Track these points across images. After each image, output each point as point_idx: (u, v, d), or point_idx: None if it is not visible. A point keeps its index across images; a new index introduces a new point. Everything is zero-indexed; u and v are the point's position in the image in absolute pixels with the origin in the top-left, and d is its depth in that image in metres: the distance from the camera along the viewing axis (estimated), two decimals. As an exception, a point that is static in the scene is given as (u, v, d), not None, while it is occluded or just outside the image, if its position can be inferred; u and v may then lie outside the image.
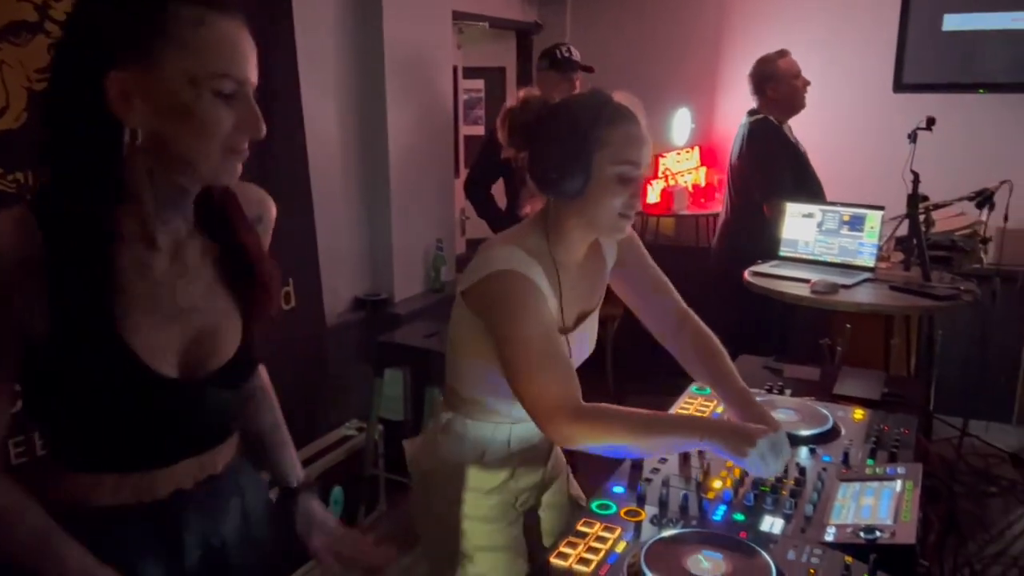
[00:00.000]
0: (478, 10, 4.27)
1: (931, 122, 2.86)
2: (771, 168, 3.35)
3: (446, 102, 3.84)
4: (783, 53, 3.46)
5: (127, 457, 1.06)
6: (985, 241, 3.31)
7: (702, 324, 1.67)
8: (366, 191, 3.46)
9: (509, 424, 1.53)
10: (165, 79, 0.95)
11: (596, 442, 1.29)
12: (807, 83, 3.43)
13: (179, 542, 1.10)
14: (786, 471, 1.45)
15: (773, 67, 3.38)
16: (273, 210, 1.26)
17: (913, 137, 2.86)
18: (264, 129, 1.02)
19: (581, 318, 1.56)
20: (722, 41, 4.66)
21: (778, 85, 3.37)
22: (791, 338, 3.25)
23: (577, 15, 4.97)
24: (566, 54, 3.44)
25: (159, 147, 0.98)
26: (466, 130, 4.62)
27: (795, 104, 3.42)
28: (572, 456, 1.69)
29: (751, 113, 3.48)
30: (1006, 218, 3.43)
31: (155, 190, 1.02)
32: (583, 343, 1.59)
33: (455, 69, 4.24)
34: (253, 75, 1.01)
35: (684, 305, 1.69)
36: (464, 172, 4.45)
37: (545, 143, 1.41)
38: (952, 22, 4.05)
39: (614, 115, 1.40)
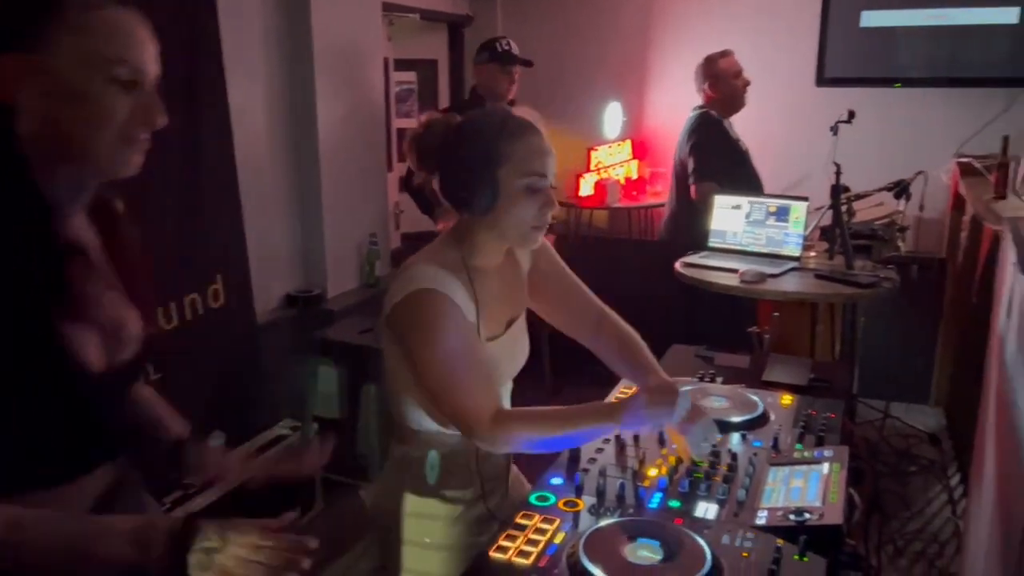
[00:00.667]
0: (409, 2, 4.23)
1: (851, 115, 2.96)
2: (703, 153, 3.46)
3: (377, 94, 3.80)
4: (725, 53, 3.59)
5: (53, 468, 1.00)
6: (903, 230, 3.45)
7: (620, 321, 1.69)
8: (297, 185, 3.39)
9: (464, 449, 1.50)
10: (58, 62, 0.92)
11: (520, 444, 1.38)
12: (747, 83, 3.57)
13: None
14: (719, 456, 1.49)
15: (715, 66, 3.53)
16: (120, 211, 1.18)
17: (835, 130, 2.96)
18: (164, 120, 0.99)
19: (509, 324, 1.57)
20: (650, 36, 4.72)
21: (718, 83, 3.51)
22: (722, 328, 3.33)
23: (508, 8, 4.97)
24: (506, 47, 3.45)
25: (52, 135, 0.94)
26: (398, 123, 4.57)
27: (735, 103, 3.56)
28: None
29: (696, 108, 3.60)
30: (922, 207, 3.58)
31: (53, 180, 0.97)
32: (516, 348, 1.60)
33: (386, 61, 4.19)
34: (152, 65, 0.99)
35: (600, 304, 1.71)
36: (397, 166, 4.41)
37: (452, 163, 1.42)
38: (869, 19, 4.19)
39: (516, 129, 1.41)
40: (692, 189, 3.46)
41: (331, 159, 3.44)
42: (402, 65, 4.61)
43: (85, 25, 0.93)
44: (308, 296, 3.40)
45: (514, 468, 1.69)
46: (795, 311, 3.13)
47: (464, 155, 1.41)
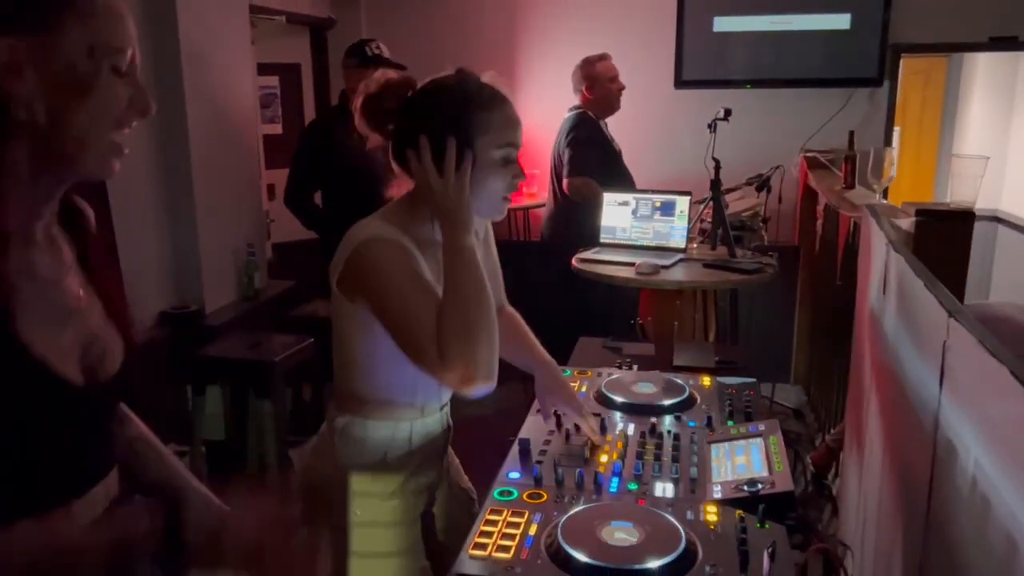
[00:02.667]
0: (272, 4, 4.08)
1: (728, 112, 3.14)
2: (579, 150, 3.58)
3: (247, 98, 3.64)
4: (603, 57, 3.71)
5: (43, 492, 0.90)
6: (766, 220, 3.69)
7: (514, 312, 1.77)
8: (167, 195, 3.19)
9: (409, 421, 1.49)
10: (63, 49, 0.85)
11: (485, 356, 1.29)
12: (622, 87, 3.73)
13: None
14: (662, 438, 1.54)
15: (592, 68, 3.65)
16: (92, 218, 1.10)
17: (713, 127, 3.13)
18: (154, 108, 0.94)
19: None
20: (516, 39, 4.81)
21: (594, 86, 3.63)
22: (610, 319, 3.44)
23: (371, 11, 4.91)
24: (376, 51, 3.40)
25: (50, 128, 0.87)
26: (263, 128, 4.40)
27: (609, 105, 3.71)
28: (463, 448, 1.71)
29: (572, 108, 3.69)
30: (780, 199, 3.85)
31: (34, 178, 0.89)
32: None
33: (249, 65, 4.03)
34: (137, 51, 0.93)
35: (504, 297, 1.77)
36: (266, 173, 4.24)
37: (419, 128, 1.36)
38: (721, 24, 4.47)
39: (492, 98, 1.40)
40: (565, 183, 3.57)
41: (203, 165, 3.26)
42: (265, 69, 4.45)
43: (92, 11, 0.87)
44: (185, 313, 3.20)
45: (454, 458, 1.69)
46: (671, 300, 3.28)
47: (438, 121, 1.35)
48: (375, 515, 1.46)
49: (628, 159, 3.90)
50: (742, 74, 4.47)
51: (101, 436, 1.00)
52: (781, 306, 4.36)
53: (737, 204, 3.74)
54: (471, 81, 1.42)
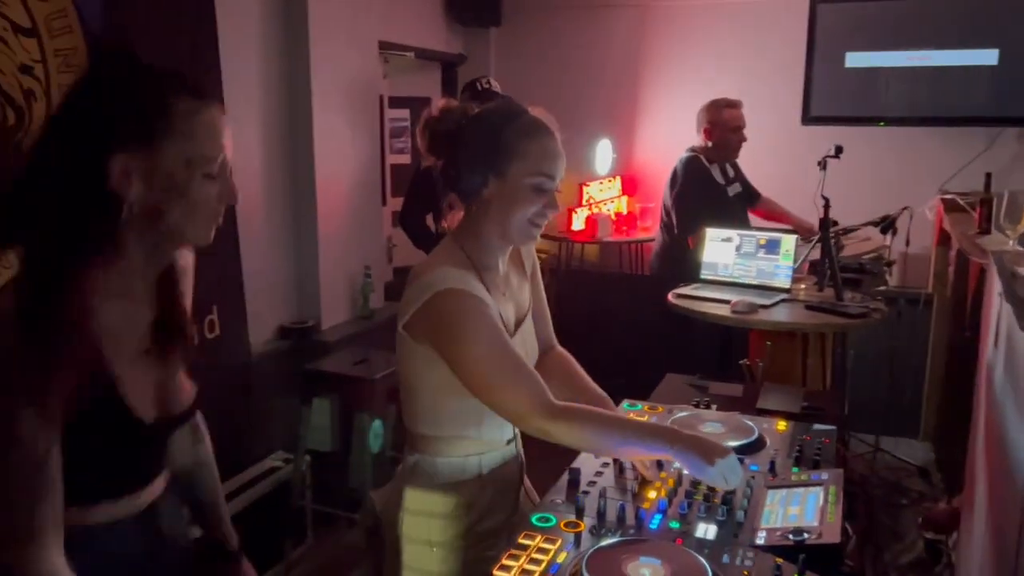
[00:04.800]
0: (404, 41, 4.31)
1: (839, 150, 3.03)
2: (687, 204, 3.55)
3: (373, 131, 3.85)
4: (733, 104, 3.62)
5: (117, 488, 1.19)
6: (890, 264, 3.50)
7: (565, 352, 1.80)
8: (293, 219, 3.43)
9: (478, 455, 1.52)
10: (164, 162, 1.06)
11: (572, 439, 1.39)
12: (742, 139, 3.63)
13: (159, 538, 1.26)
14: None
15: (718, 113, 3.58)
16: (191, 259, 1.31)
17: (823, 164, 3.03)
18: (238, 198, 1.16)
19: (518, 323, 1.60)
20: (640, 75, 4.83)
21: (714, 130, 3.57)
22: (716, 359, 3.36)
23: (501, 47, 5.07)
24: (486, 85, 3.55)
25: (153, 219, 1.09)
26: (392, 159, 4.63)
27: (725, 154, 3.63)
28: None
29: (688, 149, 3.66)
30: (907, 242, 3.64)
31: (144, 253, 1.13)
32: (527, 347, 1.62)
33: (381, 99, 4.26)
34: (229, 148, 1.12)
35: (554, 337, 1.81)
36: (391, 200, 4.45)
37: (463, 150, 1.44)
38: (854, 60, 4.31)
39: (532, 127, 1.45)
40: (689, 241, 3.52)
41: (327, 194, 3.48)
42: (396, 102, 4.69)
43: (189, 131, 1.07)
44: (302, 328, 3.41)
45: (527, 481, 1.70)
46: (786, 343, 3.16)
47: (477, 143, 1.43)
48: (438, 537, 1.50)
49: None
50: (874, 111, 4.28)
51: (158, 455, 1.25)
52: (911, 357, 4.11)
53: (858, 246, 3.58)
54: (512, 109, 1.48)
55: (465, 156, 1.44)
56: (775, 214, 3.86)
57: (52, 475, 1.01)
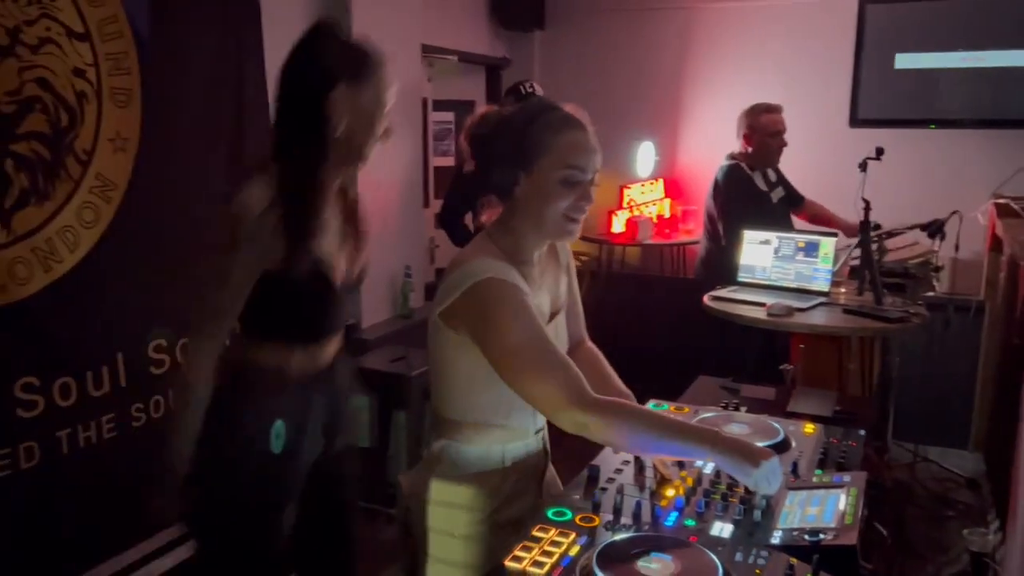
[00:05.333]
0: (448, 44, 4.37)
1: (880, 152, 2.97)
2: (734, 217, 3.49)
3: (416, 133, 3.91)
4: (771, 108, 3.56)
5: (309, 335, 1.69)
6: (937, 269, 3.42)
7: (595, 347, 1.81)
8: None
9: (502, 444, 1.54)
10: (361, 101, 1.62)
11: (609, 434, 1.38)
12: (782, 144, 3.56)
13: (335, 397, 1.79)
14: (737, 480, 1.50)
15: (755, 119, 3.52)
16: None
17: (863, 167, 2.98)
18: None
19: (552, 316, 1.62)
20: (684, 77, 4.80)
21: (753, 136, 3.51)
22: (756, 363, 3.32)
23: (545, 50, 5.09)
24: (530, 89, 3.57)
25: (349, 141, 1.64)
26: (436, 161, 4.69)
27: (765, 160, 3.56)
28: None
29: (728, 157, 3.61)
30: (957, 247, 3.55)
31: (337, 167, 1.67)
32: (558, 341, 1.64)
33: (425, 101, 4.32)
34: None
35: (585, 333, 1.82)
36: (434, 202, 4.51)
37: (495, 147, 1.48)
38: (904, 61, 4.22)
39: (559, 122, 1.46)
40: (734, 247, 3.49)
41: (368, 193, 3.52)
42: (440, 105, 4.75)
43: (378, 80, 1.63)
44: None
45: (551, 468, 1.71)
46: (827, 347, 3.12)
47: (507, 142, 1.46)
48: (466, 531, 1.52)
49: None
50: (925, 113, 4.19)
51: (340, 313, 1.76)
52: (962, 365, 4.00)
53: (907, 250, 3.50)
54: (541, 106, 1.51)
55: (496, 155, 1.48)
56: (820, 217, 3.79)
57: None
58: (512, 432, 1.55)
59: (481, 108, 1.61)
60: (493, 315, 1.41)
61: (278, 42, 2.95)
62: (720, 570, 1.18)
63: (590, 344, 1.81)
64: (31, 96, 2.06)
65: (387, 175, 3.66)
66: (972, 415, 4.07)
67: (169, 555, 2.44)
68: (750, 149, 3.54)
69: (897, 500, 3.49)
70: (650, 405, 1.93)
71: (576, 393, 1.37)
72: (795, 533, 1.30)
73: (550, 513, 1.39)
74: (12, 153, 2.03)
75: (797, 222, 3.83)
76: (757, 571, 1.21)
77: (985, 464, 3.92)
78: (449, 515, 1.55)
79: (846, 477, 1.48)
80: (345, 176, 1.70)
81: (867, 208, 2.89)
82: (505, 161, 1.46)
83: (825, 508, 1.38)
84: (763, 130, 3.49)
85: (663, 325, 3.95)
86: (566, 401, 1.36)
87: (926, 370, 3.88)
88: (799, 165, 4.08)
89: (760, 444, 1.65)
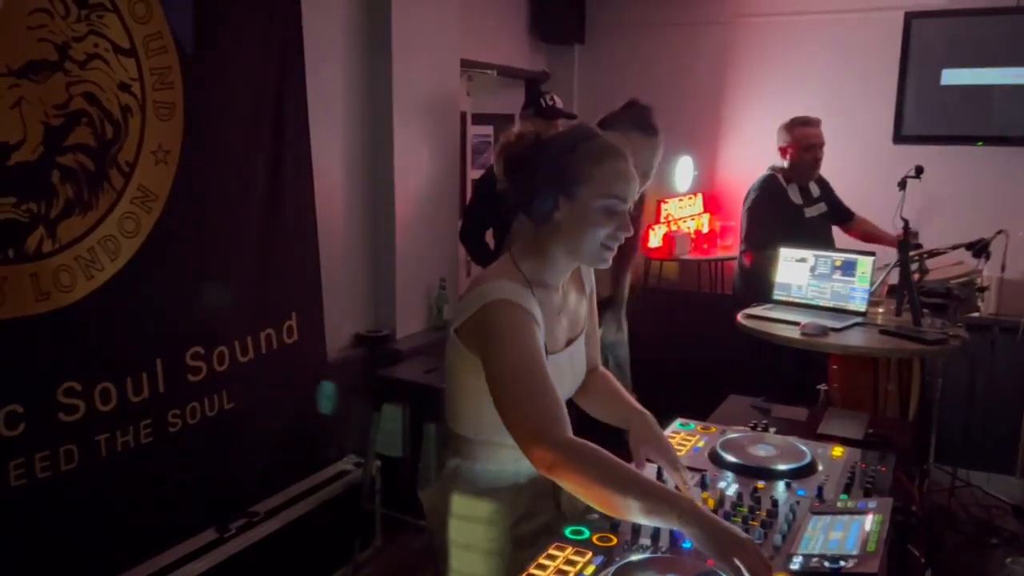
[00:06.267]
0: (488, 59, 4.40)
1: (919, 170, 2.92)
2: (755, 221, 3.49)
3: (453, 147, 3.94)
4: (808, 121, 3.54)
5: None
6: (982, 290, 3.33)
7: (608, 374, 1.80)
8: (372, 230, 3.54)
9: (514, 462, 1.54)
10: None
11: (571, 480, 1.30)
12: (817, 158, 3.54)
13: None
14: (759, 502, 1.48)
15: (791, 132, 3.51)
16: None
17: (903, 184, 2.93)
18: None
19: (569, 343, 1.62)
20: (725, 91, 4.76)
21: (787, 149, 3.50)
22: (792, 383, 3.27)
23: (584, 64, 5.10)
24: (550, 102, 3.57)
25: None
26: (474, 174, 4.71)
27: (801, 173, 3.54)
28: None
29: (769, 168, 3.62)
30: (1003, 268, 3.46)
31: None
32: (575, 366, 1.65)
33: (464, 115, 4.35)
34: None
35: (599, 358, 1.82)
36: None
37: (534, 172, 1.48)
38: (950, 76, 4.13)
39: (602, 150, 1.47)
40: (745, 258, 3.47)
41: (406, 207, 3.58)
42: (480, 119, 4.77)
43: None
44: (377, 336, 3.51)
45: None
46: (864, 368, 3.05)
47: (549, 166, 1.47)
48: (483, 543, 1.54)
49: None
50: (972, 130, 4.09)
51: None
52: (1008, 388, 3.89)
53: (948, 270, 3.42)
54: (583, 132, 1.52)
55: (537, 179, 1.48)
56: (871, 235, 3.73)
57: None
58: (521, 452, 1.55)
59: (515, 127, 1.61)
60: (495, 336, 1.42)
61: (318, 57, 3.02)
62: (735, 594, 1.17)
63: (603, 369, 1.82)
64: (78, 110, 2.13)
65: (424, 187, 3.70)
66: (1020, 439, 3.95)
67: (202, 559, 2.47)
68: (787, 162, 3.52)
69: (935, 526, 3.40)
70: (676, 424, 1.92)
71: (549, 428, 1.32)
72: (815, 560, 1.28)
73: (568, 531, 1.39)
74: (59, 165, 2.10)
75: (847, 239, 3.77)
76: (774, 597, 1.19)
77: (1032, 491, 3.81)
78: (469, 529, 1.56)
79: (871, 503, 1.46)
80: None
81: (906, 227, 2.84)
82: (548, 185, 1.47)
83: (848, 534, 1.36)
84: (798, 143, 3.48)
85: (697, 341, 3.90)
86: (536, 433, 1.33)
87: (971, 393, 3.78)
88: (842, 181, 4.02)
89: (785, 467, 1.64)
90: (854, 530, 1.36)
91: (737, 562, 1.14)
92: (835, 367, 2.43)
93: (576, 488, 1.31)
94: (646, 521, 1.27)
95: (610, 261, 1.54)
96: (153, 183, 2.35)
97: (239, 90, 2.62)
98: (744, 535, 1.21)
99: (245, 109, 2.65)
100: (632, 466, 1.36)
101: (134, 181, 2.29)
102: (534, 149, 1.51)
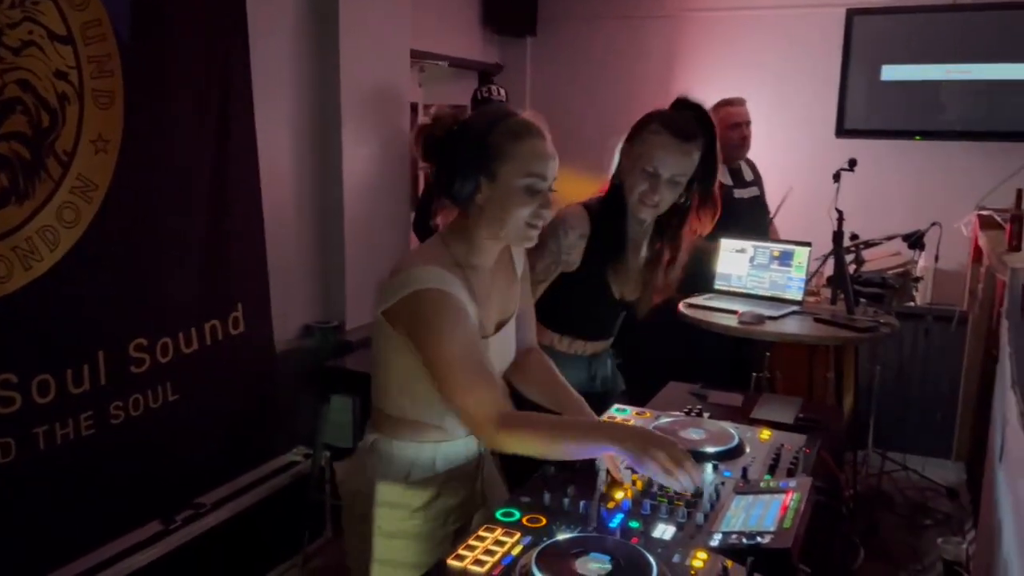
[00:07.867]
0: (440, 50, 4.40)
1: (852, 163, 3.01)
2: None
3: (402, 137, 3.94)
4: (731, 102, 3.54)
5: (580, 333, 2.19)
6: (917, 280, 3.45)
7: (543, 354, 1.84)
8: (321, 220, 3.53)
9: (434, 443, 1.58)
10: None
11: (522, 447, 1.43)
12: (743, 135, 3.52)
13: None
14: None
15: (715, 113, 3.46)
16: None
17: (837, 177, 3.01)
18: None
19: (500, 325, 1.64)
20: (673, 84, 4.83)
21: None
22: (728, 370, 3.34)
23: (536, 56, 5.14)
24: (486, 94, 3.57)
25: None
26: (425, 166, 4.73)
27: (727, 152, 3.46)
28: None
29: None
30: (937, 258, 3.58)
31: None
32: (504, 349, 1.67)
33: (415, 106, 4.36)
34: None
35: (535, 337, 1.86)
36: (423, 205, 4.54)
37: (453, 155, 1.50)
38: (890, 72, 4.25)
39: (520, 129, 1.49)
40: None
41: (355, 197, 3.57)
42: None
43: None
44: (326, 327, 3.51)
45: (492, 468, 1.74)
46: (801, 356, 3.14)
47: (467, 148, 1.48)
48: (401, 527, 1.57)
49: (785, 206, 3.79)
50: (911, 125, 4.22)
51: (613, 322, 2.31)
52: (944, 375, 4.03)
53: (885, 261, 3.53)
54: (500, 112, 1.53)
55: (456, 161, 1.49)
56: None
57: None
58: (445, 433, 1.59)
59: (432, 109, 1.61)
60: (431, 325, 1.44)
61: (264, 47, 3.01)
62: (655, 570, 1.22)
63: (539, 350, 1.84)
64: (12, 97, 2.09)
65: (374, 177, 3.70)
66: (955, 425, 4.09)
67: (146, 551, 2.46)
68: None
69: (871, 508, 3.51)
70: (612, 410, 1.96)
71: (491, 412, 1.42)
72: (734, 536, 1.33)
73: (498, 514, 1.42)
74: (-8, 153, 2.07)
75: (785, 229, 3.83)
76: (692, 572, 1.24)
77: (967, 474, 3.95)
78: (382, 512, 1.58)
79: (792, 482, 1.51)
80: None
81: (840, 219, 2.93)
82: (468, 167, 1.48)
83: (768, 512, 1.41)
84: (720, 122, 3.45)
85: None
86: (485, 419, 1.42)
87: (908, 379, 3.91)
88: (785, 173, 4.11)
89: (713, 449, 1.69)
90: (774, 508, 1.42)
91: (655, 452, 1.32)
92: (768, 353, 2.51)
93: (522, 451, 1.44)
94: (588, 454, 1.47)
95: (535, 240, 1.57)
96: (93, 172, 2.32)
97: (182, 79, 2.59)
98: (665, 436, 1.40)
99: (188, 98, 2.63)
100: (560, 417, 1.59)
101: (73, 170, 2.26)
102: (452, 131, 1.52)
